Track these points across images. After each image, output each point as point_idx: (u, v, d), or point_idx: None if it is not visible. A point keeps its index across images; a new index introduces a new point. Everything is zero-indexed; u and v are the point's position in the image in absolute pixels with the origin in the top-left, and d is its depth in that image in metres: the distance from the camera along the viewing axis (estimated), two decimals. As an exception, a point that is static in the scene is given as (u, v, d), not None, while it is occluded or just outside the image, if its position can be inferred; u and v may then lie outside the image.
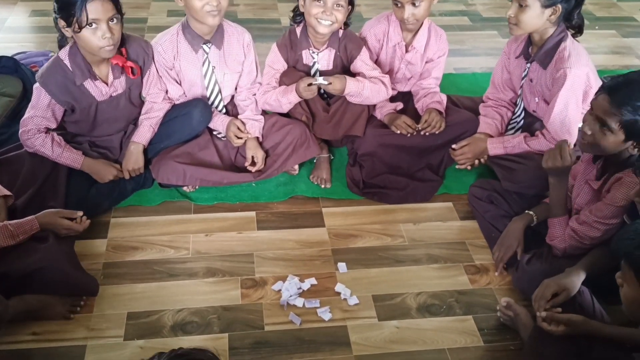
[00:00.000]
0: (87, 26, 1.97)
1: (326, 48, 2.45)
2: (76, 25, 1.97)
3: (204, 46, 2.32)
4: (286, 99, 2.39)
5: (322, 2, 2.27)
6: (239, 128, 2.39)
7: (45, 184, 2.13)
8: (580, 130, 1.84)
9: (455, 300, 2.01)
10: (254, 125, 2.43)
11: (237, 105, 2.49)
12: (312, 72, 2.49)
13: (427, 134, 2.47)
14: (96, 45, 2.02)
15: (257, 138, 2.44)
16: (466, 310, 1.98)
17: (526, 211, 2.12)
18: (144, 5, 3.96)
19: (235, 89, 2.47)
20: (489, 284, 2.08)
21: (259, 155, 2.39)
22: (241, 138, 2.40)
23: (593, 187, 1.88)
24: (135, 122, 2.35)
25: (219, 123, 2.42)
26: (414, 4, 2.35)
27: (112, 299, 1.94)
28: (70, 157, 2.20)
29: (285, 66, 2.48)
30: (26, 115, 2.16)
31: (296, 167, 2.51)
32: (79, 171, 2.22)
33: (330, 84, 2.34)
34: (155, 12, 3.88)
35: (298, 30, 2.45)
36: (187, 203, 2.36)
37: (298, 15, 2.44)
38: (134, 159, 2.27)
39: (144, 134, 2.29)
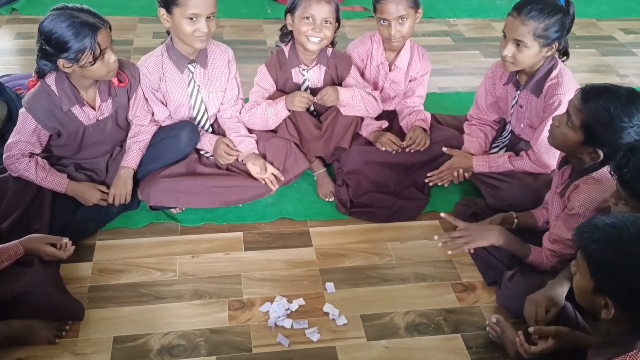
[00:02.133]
0: (100, 58, 1.99)
1: (315, 65, 2.48)
2: (90, 58, 1.96)
3: (190, 66, 2.33)
4: (273, 110, 2.40)
5: (311, 19, 2.31)
6: (228, 145, 2.40)
7: (30, 207, 2.12)
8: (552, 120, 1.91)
9: (444, 318, 2.01)
10: (250, 142, 2.44)
11: (222, 123, 2.49)
12: (302, 89, 2.51)
13: (412, 151, 2.49)
14: (106, 72, 2.05)
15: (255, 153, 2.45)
16: (454, 328, 1.98)
17: (511, 212, 2.19)
18: (130, 28, 3.97)
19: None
20: (476, 301, 2.09)
21: (266, 167, 2.40)
22: (232, 155, 2.41)
23: (558, 195, 1.92)
24: (121, 145, 2.35)
25: (206, 142, 2.43)
26: (400, 22, 2.39)
27: (98, 323, 1.92)
28: (55, 182, 2.18)
29: (274, 86, 2.50)
30: (10, 140, 2.14)
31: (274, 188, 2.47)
32: (65, 194, 2.21)
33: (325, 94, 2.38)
34: (141, 34, 3.90)
35: (286, 49, 2.48)
36: (173, 224, 2.35)
37: (286, 35, 2.47)
38: (122, 183, 2.26)
39: (133, 158, 2.29)
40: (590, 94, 1.73)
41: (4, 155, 2.15)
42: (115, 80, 2.18)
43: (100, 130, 2.24)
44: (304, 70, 2.48)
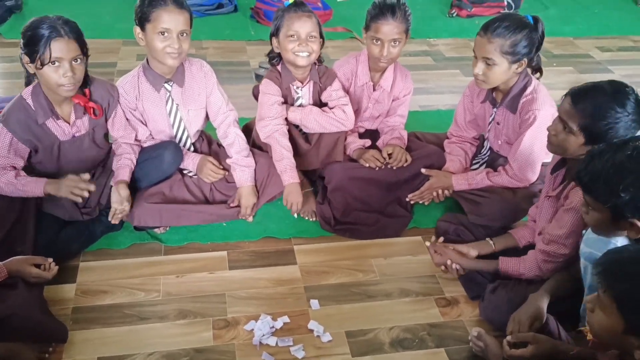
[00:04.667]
0: (50, 64, 1.98)
1: (308, 81, 2.51)
2: (39, 62, 1.98)
3: (166, 85, 2.34)
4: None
5: (295, 36, 2.35)
6: (213, 164, 2.42)
7: (13, 229, 2.10)
8: (548, 131, 1.92)
9: (428, 333, 2.03)
10: (245, 173, 2.43)
11: (226, 149, 2.49)
12: (296, 105, 2.54)
13: (394, 167, 2.52)
14: (56, 83, 2.02)
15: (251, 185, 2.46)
16: (438, 343, 1.99)
17: (487, 239, 2.19)
18: (113, 50, 4.00)
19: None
20: (459, 316, 2.11)
21: (250, 205, 2.42)
22: (218, 174, 2.43)
23: (553, 198, 1.95)
24: (103, 165, 2.35)
25: (189, 162, 2.44)
26: (392, 44, 2.44)
27: (82, 345, 1.91)
28: (33, 182, 2.13)
29: (280, 93, 2.49)
30: None
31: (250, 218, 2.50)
32: (48, 215, 2.20)
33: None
34: (124, 56, 3.92)
35: (279, 68, 2.51)
36: (157, 245, 2.35)
37: (273, 58, 2.49)
38: (120, 200, 2.23)
39: (125, 172, 2.28)
40: (578, 96, 1.76)
41: None
42: (90, 112, 2.19)
43: (77, 147, 2.24)
44: (298, 88, 2.52)
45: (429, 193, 2.51)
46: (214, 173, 2.42)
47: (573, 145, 1.81)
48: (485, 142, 2.59)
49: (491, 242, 2.19)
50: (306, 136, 2.56)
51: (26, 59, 2.03)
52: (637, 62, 4.32)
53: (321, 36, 2.42)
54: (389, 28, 2.40)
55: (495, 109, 2.43)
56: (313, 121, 2.48)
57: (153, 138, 2.43)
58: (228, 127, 2.46)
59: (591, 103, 1.74)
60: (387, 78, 2.63)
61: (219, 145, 2.57)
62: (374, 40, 2.45)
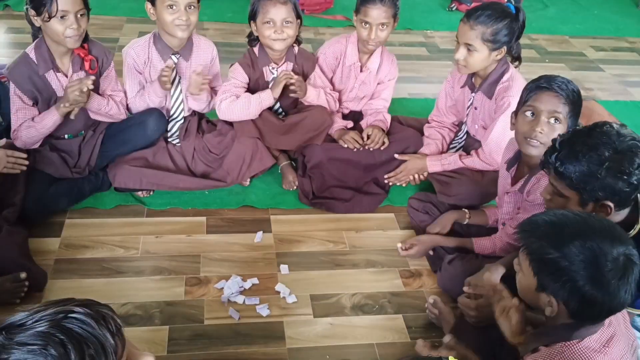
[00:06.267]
0: (56, 17, 2.11)
1: (284, 62, 2.62)
2: (46, 15, 2.10)
3: (173, 57, 2.46)
4: (257, 98, 2.53)
5: (271, 23, 2.45)
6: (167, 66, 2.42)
7: (5, 182, 2.21)
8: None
9: (388, 300, 2.14)
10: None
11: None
12: (271, 86, 2.63)
13: (371, 149, 2.62)
14: (62, 34, 2.15)
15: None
16: (397, 309, 2.10)
17: (463, 209, 2.33)
18: (117, 27, 4.11)
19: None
20: (421, 286, 2.21)
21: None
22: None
23: (513, 193, 2.04)
24: (94, 128, 2.47)
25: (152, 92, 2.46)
26: (380, 28, 2.53)
27: (60, 292, 2.03)
28: (46, 115, 2.26)
29: (247, 80, 2.61)
30: (13, 120, 2.27)
31: (247, 179, 2.63)
32: (39, 171, 2.32)
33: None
34: (127, 33, 4.03)
35: (256, 49, 2.62)
36: (140, 207, 2.47)
37: (254, 40, 2.61)
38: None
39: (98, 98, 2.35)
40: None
41: (12, 136, 2.30)
42: (87, 65, 2.30)
43: None
44: (273, 68, 2.62)
45: (405, 175, 2.61)
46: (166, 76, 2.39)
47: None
48: (463, 126, 2.68)
49: (467, 216, 2.33)
50: (281, 117, 2.67)
51: (32, 12, 2.15)
52: (629, 62, 4.38)
53: (298, 17, 2.52)
54: (377, 12, 2.50)
55: (473, 94, 2.52)
56: (323, 101, 2.63)
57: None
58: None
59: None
60: (374, 60, 2.73)
61: (209, 121, 2.68)
62: (363, 24, 2.55)
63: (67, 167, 2.38)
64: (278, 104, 2.69)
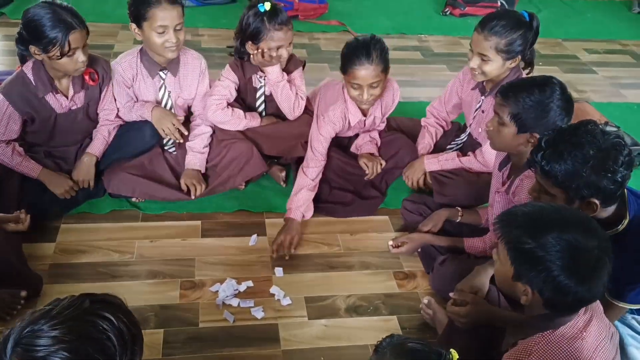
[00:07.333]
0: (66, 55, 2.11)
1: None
2: (57, 53, 2.09)
3: (160, 73, 2.46)
4: (249, 117, 2.54)
5: (274, 51, 2.42)
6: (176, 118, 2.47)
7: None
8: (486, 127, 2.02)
9: (382, 302, 2.15)
10: (196, 158, 2.55)
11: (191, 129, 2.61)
12: (258, 94, 2.64)
13: (370, 179, 2.66)
14: (73, 69, 2.18)
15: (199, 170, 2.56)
16: (391, 311, 2.11)
17: (456, 207, 2.35)
18: (112, 33, 4.13)
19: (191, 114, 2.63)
20: (415, 288, 2.23)
21: (198, 188, 2.50)
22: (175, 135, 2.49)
23: (503, 193, 2.05)
24: (91, 136, 2.48)
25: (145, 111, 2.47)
26: (373, 86, 2.35)
27: (55, 297, 2.01)
28: (28, 167, 2.32)
29: (237, 81, 2.58)
30: None
31: (242, 183, 2.65)
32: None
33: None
34: (122, 39, 4.06)
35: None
36: (135, 212, 2.48)
37: (244, 55, 2.53)
38: (85, 170, 2.39)
39: (97, 146, 2.43)
40: (507, 89, 1.88)
41: None
42: (87, 78, 2.32)
43: (72, 120, 2.38)
44: (261, 77, 2.60)
45: (410, 182, 2.64)
46: (170, 132, 2.45)
47: (508, 135, 1.89)
48: (469, 128, 2.68)
49: (460, 213, 2.34)
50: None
51: (34, 49, 2.12)
52: (621, 64, 4.41)
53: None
54: (366, 73, 2.29)
55: (483, 97, 2.52)
56: (286, 96, 2.55)
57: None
58: (200, 120, 2.59)
59: (518, 94, 1.84)
60: (376, 106, 2.59)
61: None
62: (353, 85, 2.37)
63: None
64: (263, 105, 2.68)
